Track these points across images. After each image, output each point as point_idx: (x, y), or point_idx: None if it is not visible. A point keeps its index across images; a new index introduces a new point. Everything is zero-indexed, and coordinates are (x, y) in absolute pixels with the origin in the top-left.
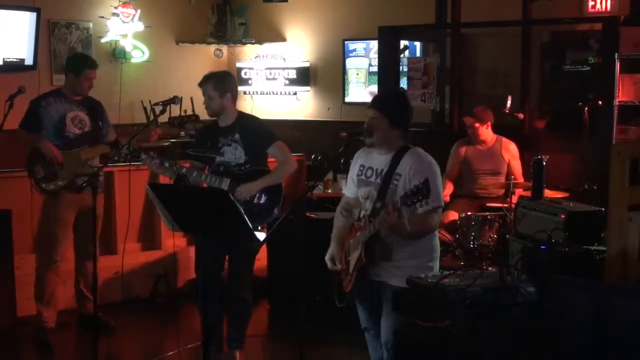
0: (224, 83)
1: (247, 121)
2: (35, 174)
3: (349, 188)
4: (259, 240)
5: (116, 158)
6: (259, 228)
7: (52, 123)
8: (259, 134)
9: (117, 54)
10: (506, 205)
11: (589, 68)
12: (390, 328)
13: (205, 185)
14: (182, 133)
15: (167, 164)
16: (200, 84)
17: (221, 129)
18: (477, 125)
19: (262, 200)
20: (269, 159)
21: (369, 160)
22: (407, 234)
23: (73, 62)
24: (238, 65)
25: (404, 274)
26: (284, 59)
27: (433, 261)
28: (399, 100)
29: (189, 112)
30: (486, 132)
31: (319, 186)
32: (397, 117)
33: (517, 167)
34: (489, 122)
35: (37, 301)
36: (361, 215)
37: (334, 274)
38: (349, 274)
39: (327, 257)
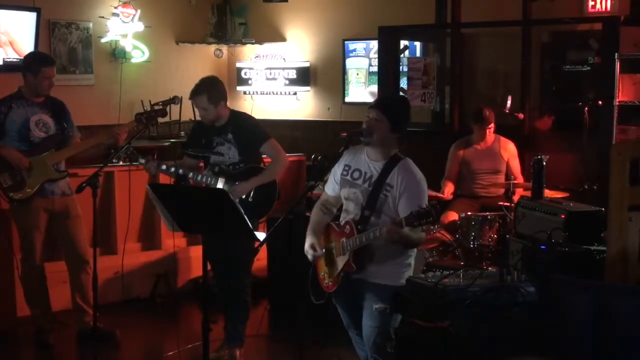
0: (216, 93)
1: (240, 121)
2: (2, 184)
3: (331, 186)
4: (258, 239)
5: (115, 160)
6: (258, 223)
7: (16, 128)
8: (252, 133)
9: (117, 54)
10: (507, 204)
11: (589, 68)
12: (371, 327)
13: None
14: (182, 133)
15: (164, 167)
16: (193, 98)
17: (215, 128)
18: (490, 127)
19: (257, 197)
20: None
21: (356, 162)
22: (406, 241)
23: (30, 61)
24: (238, 65)
25: (384, 272)
26: (284, 59)
27: (410, 259)
28: (403, 107)
29: (189, 113)
30: (491, 132)
31: (319, 186)
32: (398, 122)
33: (516, 166)
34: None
35: (29, 305)
36: (342, 217)
37: (317, 269)
38: (332, 276)
39: (307, 247)
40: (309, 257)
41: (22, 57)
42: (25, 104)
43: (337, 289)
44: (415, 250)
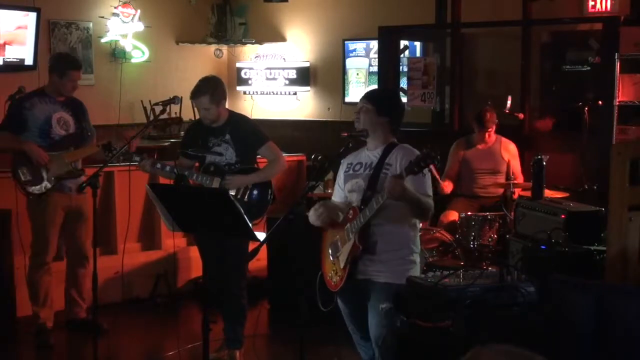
0: (218, 93)
1: (238, 122)
2: (20, 177)
3: (336, 191)
4: (258, 239)
5: (110, 155)
6: (253, 225)
7: (38, 124)
8: (251, 135)
9: (117, 54)
10: (506, 197)
11: (589, 68)
12: (378, 325)
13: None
14: (182, 133)
15: (159, 165)
16: (194, 98)
17: (211, 128)
18: (490, 130)
19: (252, 197)
20: (260, 159)
21: (357, 158)
22: (412, 200)
23: (57, 62)
24: (238, 65)
25: (388, 269)
26: (284, 59)
27: (414, 254)
28: (386, 92)
29: (189, 113)
30: (492, 134)
31: (319, 186)
32: (382, 105)
33: (516, 166)
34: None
35: (33, 303)
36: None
37: (325, 276)
38: (340, 270)
39: (318, 209)
40: (322, 215)
41: (21, 57)
42: (49, 101)
43: (344, 287)
44: (418, 246)
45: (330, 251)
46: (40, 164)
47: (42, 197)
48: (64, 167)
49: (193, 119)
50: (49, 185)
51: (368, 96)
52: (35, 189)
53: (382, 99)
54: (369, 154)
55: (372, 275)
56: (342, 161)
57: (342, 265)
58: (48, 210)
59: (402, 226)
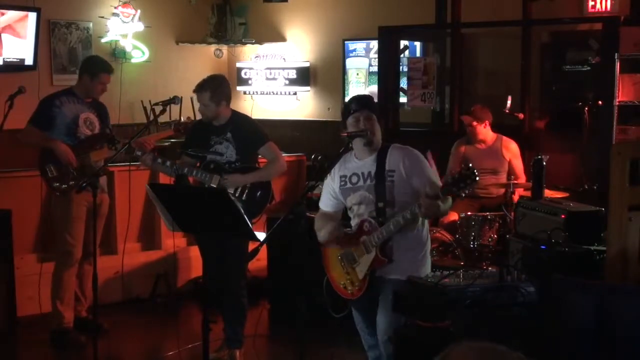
0: (220, 92)
1: (240, 121)
2: (47, 174)
3: (326, 202)
4: (258, 239)
5: (114, 150)
6: (252, 224)
7: (66, 123)
8: (251, 134)
9: (117, 54)
10: (506, 199)
11: (589, 68)
12: (387, 322)
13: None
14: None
15: (160, 160)
16: (196, 92)
17: (214, 127)
18: (474, 123)
19: (251, 197)
20: (261, 159)
21: (348, 169)
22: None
23: (90, 64)
24: (238, 65)
25: (401, 267)
26: (284, 59)
27: (426, 251)
28: (373, 99)
29: (188, 113)
30: (484, 131)
31: (319, 186)
32: (377, 112)
33: (518, 165)
34: (487, 121)
35: (58, 302)
36: (354, 222)
37: (333, 282)
38: (358, 281)
39: (325, 235)
40: (329, 240)
41: (21, 57)
42: (76, 101)
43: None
44: (429, 242)
45: (343, 260)
46: (67, 164)
47: (67, 194)
48: (89, 167)
49: (193, 118)
50: (73, 184)
51: (369, 106)
52: (61, 187)
53: (374, 105)
54: (362, 163)
55: (385, 272)
56: (331, 171)
57: (361, 276)
58: (73, 206)
59: (414, 228)
